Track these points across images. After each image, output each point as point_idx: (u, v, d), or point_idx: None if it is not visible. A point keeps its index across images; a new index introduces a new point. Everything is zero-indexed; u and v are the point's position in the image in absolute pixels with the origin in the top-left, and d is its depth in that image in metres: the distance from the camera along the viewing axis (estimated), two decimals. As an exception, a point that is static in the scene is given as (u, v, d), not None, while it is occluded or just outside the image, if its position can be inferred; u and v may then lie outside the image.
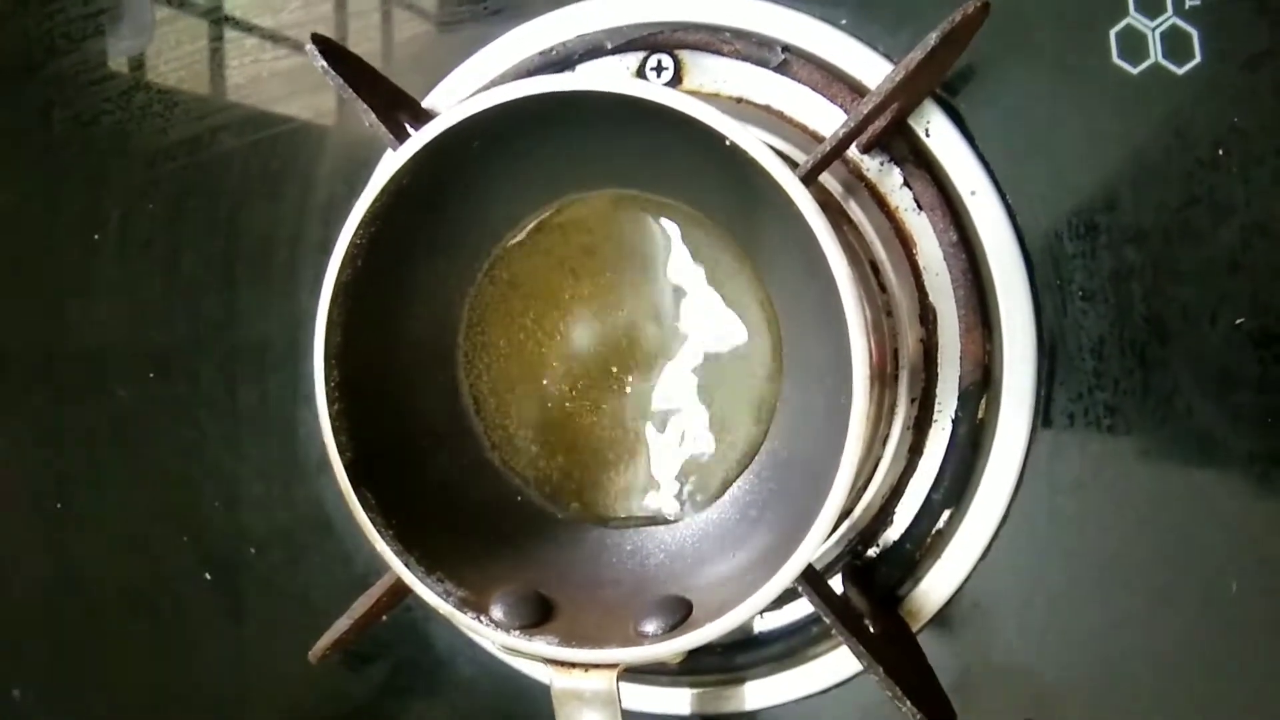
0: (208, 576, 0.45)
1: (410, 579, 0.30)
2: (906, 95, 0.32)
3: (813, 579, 0.32)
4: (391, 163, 0.29)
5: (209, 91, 0.44)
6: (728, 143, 0.27)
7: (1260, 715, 0.33)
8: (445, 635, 0.42)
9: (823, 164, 0.29)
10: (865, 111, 0.29)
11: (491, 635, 0.30)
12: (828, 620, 0.30)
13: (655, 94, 0.27)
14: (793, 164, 0.29)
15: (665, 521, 0.34)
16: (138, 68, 0.45)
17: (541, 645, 0.29)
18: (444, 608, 0.30)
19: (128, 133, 0.45)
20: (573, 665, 0.29)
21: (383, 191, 0.29)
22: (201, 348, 0.44)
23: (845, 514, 0.36)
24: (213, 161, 0.43)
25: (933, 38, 0.28)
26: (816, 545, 0.27)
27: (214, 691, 0.46)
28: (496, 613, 0.30)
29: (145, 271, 0.45)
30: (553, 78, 0.28)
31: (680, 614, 0.29)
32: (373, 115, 0.33)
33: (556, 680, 0.29)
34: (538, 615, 0.30)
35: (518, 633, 0.29)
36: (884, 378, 0.33)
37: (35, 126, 0.47)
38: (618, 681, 0.29)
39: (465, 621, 0.30)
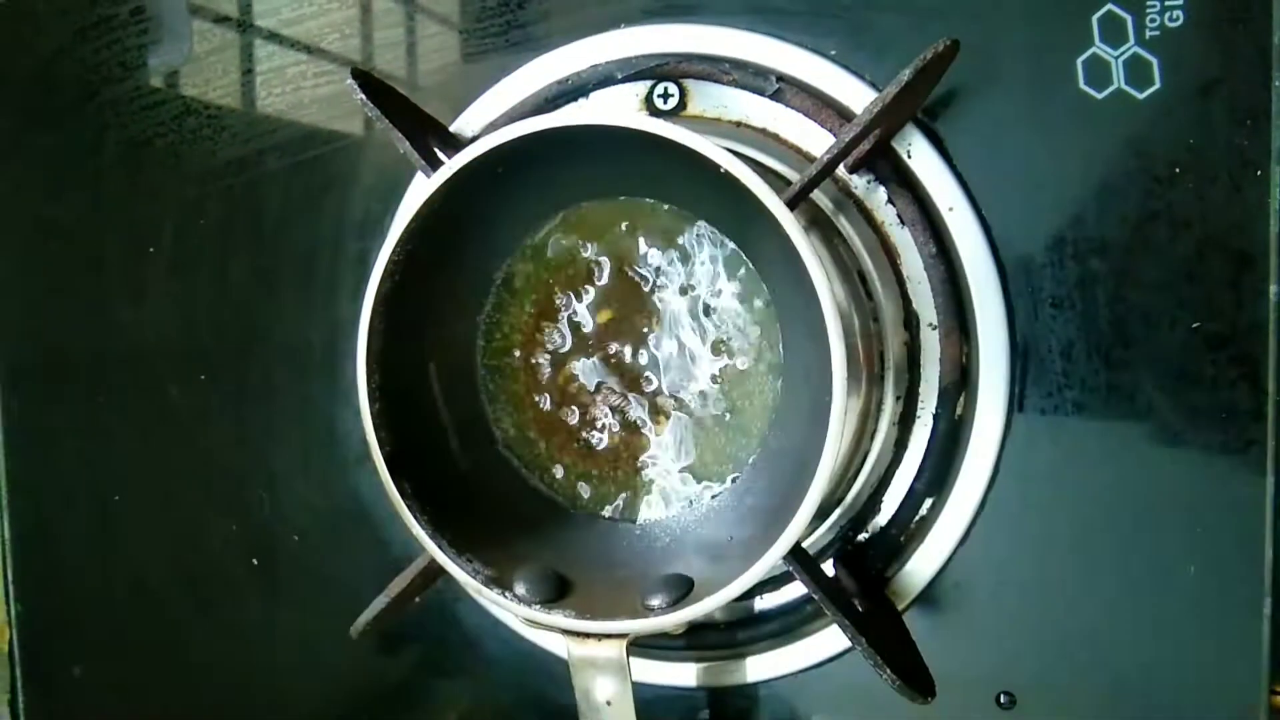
0: (254, 562, 0.49)
1: (443, 559, 0.34)
2: (887, 122, 0.35)
3: (805, 561, 0.35)
4: (425, 188, 0.33)
5: (254, 116, 0.48)
6: (722, 170, 0.30)
7: (1214, 690, 0.36)
8: (472, 616, 0.46)
9: (808, 188, 0.32)
10: (847, 140, 0.32)
11: (515, 609, 0.33)
12: (817, 598, 0.34)
13: (661, 129, 0.31)
14: (785, 183, 0.32)
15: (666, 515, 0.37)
16: (175, 93, 0.49)
17: (559, 618, 0.32)
18: (473, 584, 0.33)
19: (179, 154, 0.49)
20: (587, 635, 0.33)
21: (417, 214, 0.33)
22: (248, 351, 0.48)
23: (837, 503, 0.39)
24: (258, 180, 0.47)
25: (906, 73, 0.31)
26: (801, 528, 0.30)
27: (257, 670, 0.50)
28: (519, 589, 0.33)
29: (196, 280, 0.49)
30: (570, 112, 0.32)
31: (683, 590, 0.32)
32: (406, 143, 0.36)
33: (573, 649, 0.33)
34: (556, 592, 0.33)
35: (538, 607, 0.33)
36: (870, 378, 0.36)
37: (91, 148, 0.50)
38: (627, 650, 0.32)
39: (492, 596, 0.33)
